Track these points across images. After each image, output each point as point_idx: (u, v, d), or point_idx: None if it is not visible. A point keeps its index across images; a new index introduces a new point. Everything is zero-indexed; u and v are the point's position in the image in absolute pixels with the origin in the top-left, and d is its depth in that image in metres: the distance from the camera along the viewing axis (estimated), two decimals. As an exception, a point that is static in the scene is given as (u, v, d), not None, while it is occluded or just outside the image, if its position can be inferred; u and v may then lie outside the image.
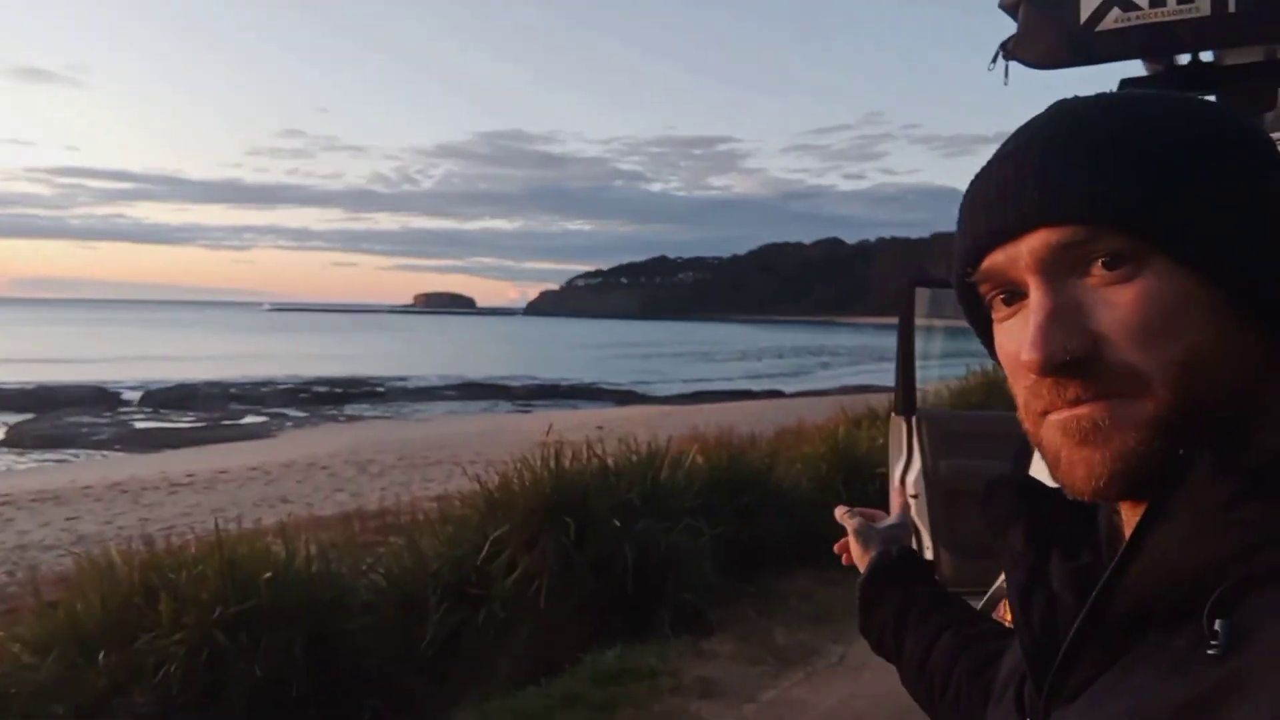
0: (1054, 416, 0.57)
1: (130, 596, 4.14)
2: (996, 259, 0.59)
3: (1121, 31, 1.54)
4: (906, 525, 1.23)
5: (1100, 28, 1.55)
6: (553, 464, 5.21)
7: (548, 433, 5.59)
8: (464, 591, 4.73)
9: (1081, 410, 0.55)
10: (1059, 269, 0.56)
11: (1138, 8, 1.50)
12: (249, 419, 25.88)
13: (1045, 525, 0.66)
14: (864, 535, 1.18)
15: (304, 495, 12.91)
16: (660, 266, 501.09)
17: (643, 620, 4.80)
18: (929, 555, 3.27)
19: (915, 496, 3.28)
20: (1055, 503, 0.66)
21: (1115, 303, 0.54)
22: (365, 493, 12.80)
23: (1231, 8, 1.40)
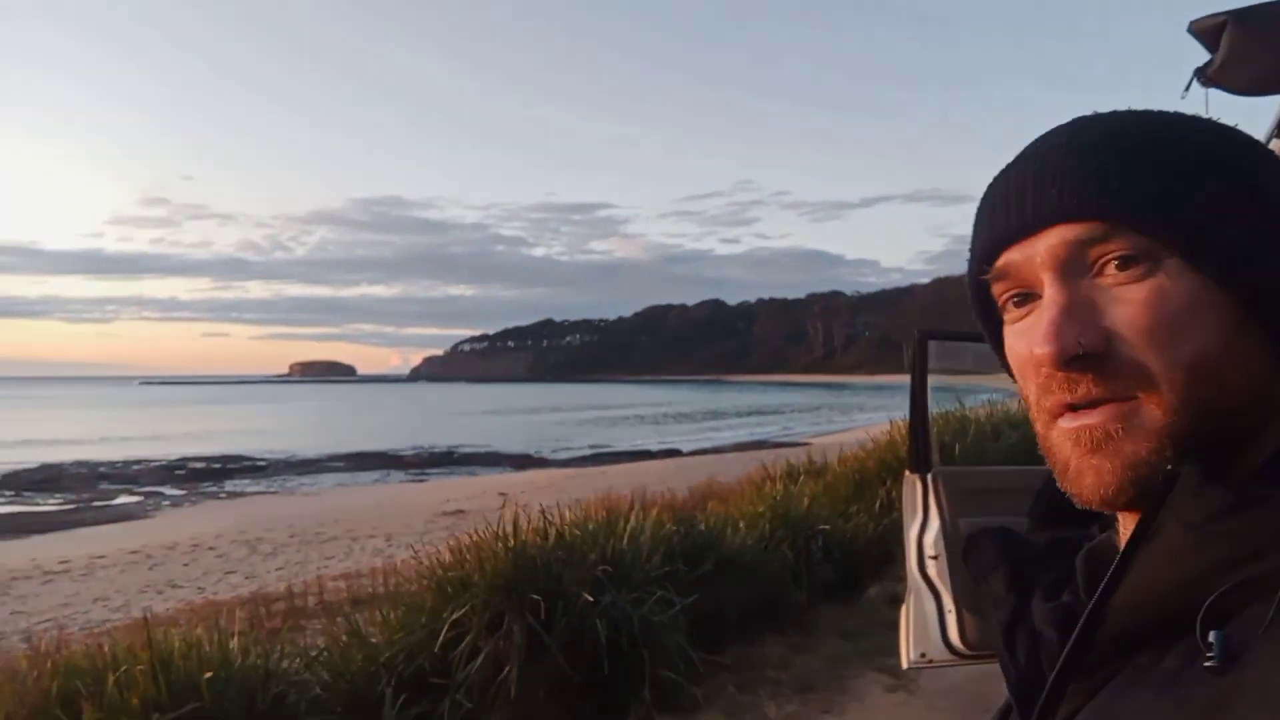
0: (1065, 424, 0.58)
1: (48, 708, 3.60)
2: (1013, 256, 0.60)
3: None
4: None
5: None
6: (511, 537, 4.87)
7: (503, 504, 5.24)
8: (423, 682, 4.32)
9: (1093, 420, 0.57)
10: (1074, 267, 0.58)
11: None
12: (122, 499, 24.09)
13: (1025, 571, 0.68)
14: None
15: (194, 579, 12.00)
16: (547, 330, 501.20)
17: (621, 702, 4.49)
18: (951, 617, 3.13)
19: (935, 557, 3.14)
20: (1034, 551, 0.69)
21: (1128, 300, 0.56)
22: (261, 574, 12.02)
23: None
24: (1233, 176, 0.58)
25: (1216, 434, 0.55)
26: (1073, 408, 0.58)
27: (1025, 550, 0.70)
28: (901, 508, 3.33)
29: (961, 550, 0.73)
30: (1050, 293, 0.58)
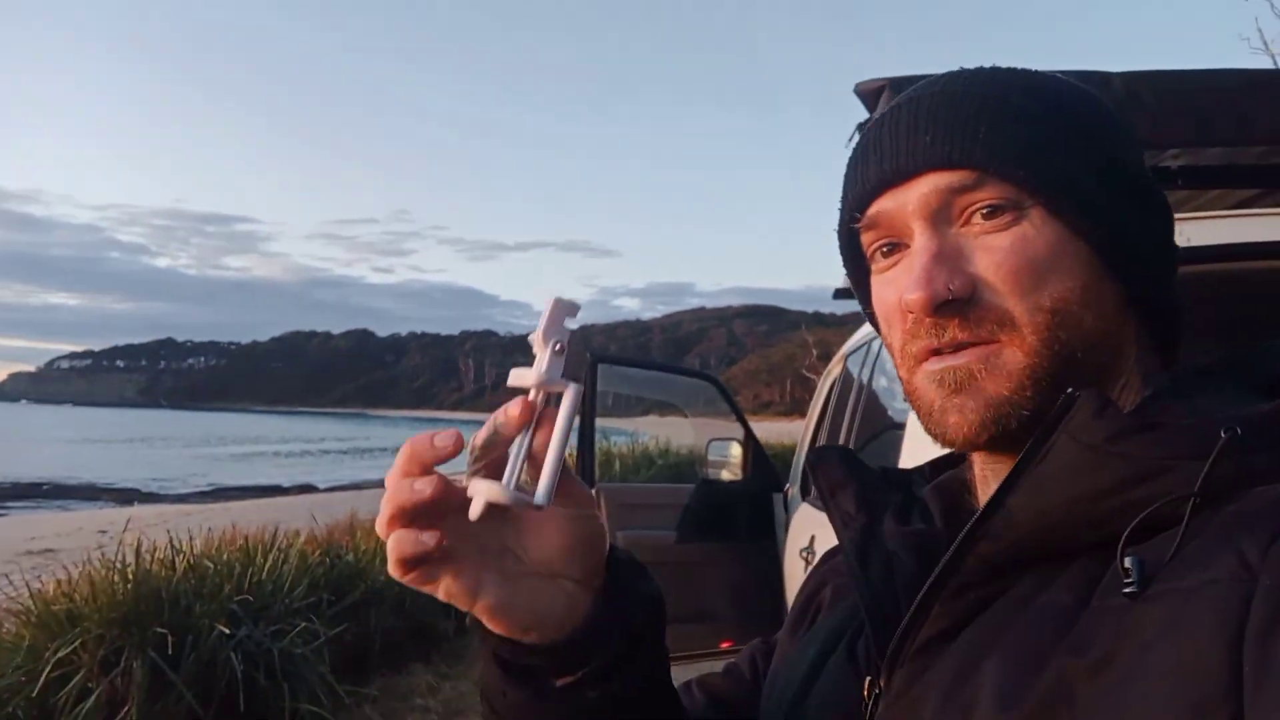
0: (930, 367, 0.60)
1: None
2: (885, 204, 0.62)
3: None
4: None
5: None
6: (131, 566, 4.36)
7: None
8: (15, 732, 3.72)
9: (958, 361, 0.59)
10: (943, 216, 0.60)
11: None
12: None
13: (871, 493, 0.69)
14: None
15: None
16: (166, 350, 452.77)
17: (257, 740, 4.16)
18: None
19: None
20: (876, 475, 0.72)
21: (994, 248, 0.58)
22: None
23: None
24: (1091, 133, 0.62)
25: (1072, 376, 0.57)
26: (938, 352, 0.60)
27: (868, 473, 0.71)
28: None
29: (808, 463, 0.73)
30: (921, 240, 0.60)
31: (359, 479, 35.13)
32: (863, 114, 1.89)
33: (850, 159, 0.66)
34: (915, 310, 0.59)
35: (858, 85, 1.86)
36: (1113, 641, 0.47)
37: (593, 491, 3.38)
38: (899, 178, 0.61)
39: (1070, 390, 0.54)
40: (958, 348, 0.59)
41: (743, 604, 3.31)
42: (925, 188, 0.60)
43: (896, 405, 3.01)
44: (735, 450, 3.80)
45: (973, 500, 0.67)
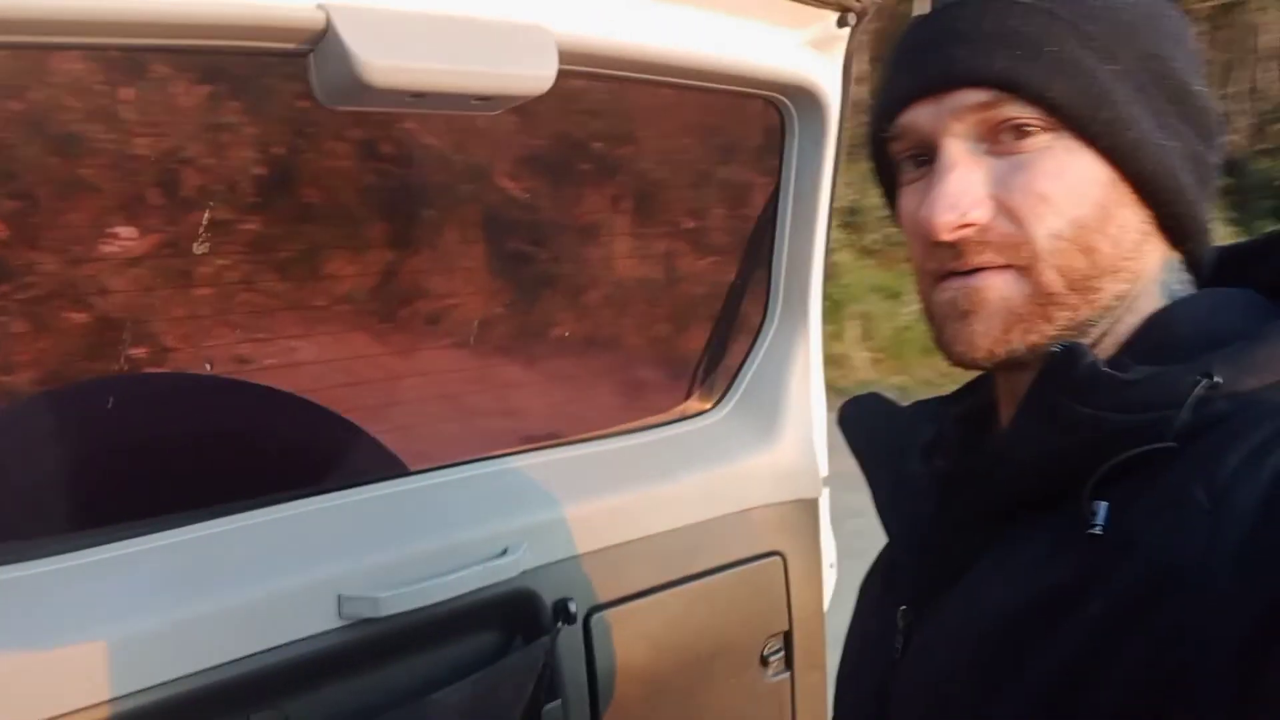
0: (944, 286, 0.59)
1: None
2: (914, 116, 0.59)
3: None
4: None
5: None
6: None
7: None
8: None
9: (969, 284, 0.58)
10: (971, 133, 0.57)
11: None
12: None
13: (900, 436, 0.71)
14: None
15: None
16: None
17: None
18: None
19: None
20: (905, 417, 0.72)
21: (1017, 170, 0.56)
22: None
23: None
24: (1140, 50, 0.58)
25: (1084, 304, 0.58)
26: (954, 274, 0.59)
27: (899, 414, 0.73)
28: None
29: (838, 417, 0.75)
30: (943, 159, 0.58)
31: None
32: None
33: (887, 62, 0.63)
34: (930, 233, 0.57)
35: None
36: (1085, 580, 0.52)
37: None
38: (931, 89, 0.58)
39: (1057, 344, 0.56)
40: (971, 271, 0.58)
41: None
42: (955, 103, 0.57)
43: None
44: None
45: (995, 425, 0.68)
